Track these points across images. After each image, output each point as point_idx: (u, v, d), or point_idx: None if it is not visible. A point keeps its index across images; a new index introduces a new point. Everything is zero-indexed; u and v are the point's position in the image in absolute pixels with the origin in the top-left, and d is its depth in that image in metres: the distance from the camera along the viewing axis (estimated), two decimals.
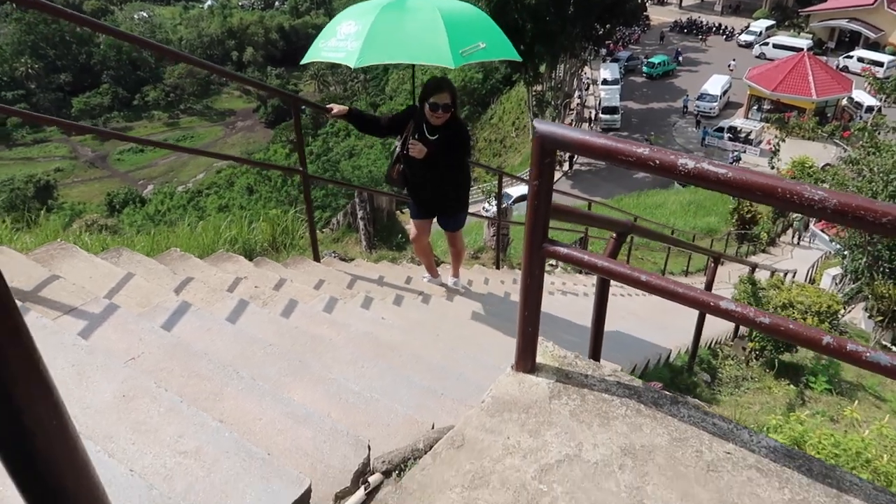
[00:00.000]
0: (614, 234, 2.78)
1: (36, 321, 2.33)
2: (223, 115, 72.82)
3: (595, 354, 2.58)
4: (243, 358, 2.63)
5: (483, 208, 25.30)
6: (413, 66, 4.82)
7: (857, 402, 4.83)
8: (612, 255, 2.85)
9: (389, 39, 4.19)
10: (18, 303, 2.37)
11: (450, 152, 4.37)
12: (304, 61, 4.66)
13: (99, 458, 1.68)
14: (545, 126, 1.93)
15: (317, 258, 5.06)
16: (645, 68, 45.97)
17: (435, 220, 4.89)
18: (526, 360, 2.37)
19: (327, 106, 4.62)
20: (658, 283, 1.99)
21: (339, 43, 4.31)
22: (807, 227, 24.87)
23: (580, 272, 10.46)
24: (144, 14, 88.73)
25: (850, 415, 3.59)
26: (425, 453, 2.13)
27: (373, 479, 2.01)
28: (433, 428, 2.34)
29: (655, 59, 46.23)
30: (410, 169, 4.55)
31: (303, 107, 4.36)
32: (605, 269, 2.06)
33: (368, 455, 2.06)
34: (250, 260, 4.51)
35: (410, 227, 5.04)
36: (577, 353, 2.52)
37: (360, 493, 1.96)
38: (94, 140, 65.56)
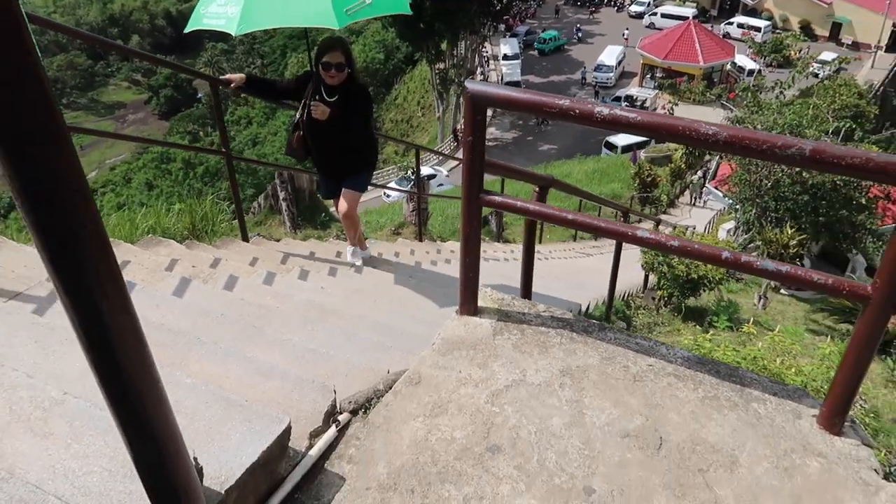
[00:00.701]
0: (537, 188, 3.04)
1: None
2: (112, 108, 68.83)
3: (527, 294, 2.85)
4: (198, 327, 2.73)
5: (384, 194, 25.37)
6: (306, 30, 4.70)
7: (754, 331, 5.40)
8: None
9: (270, 3, 4.03)
10: None
11: (350, 114, 4.24)
12: (186, 30, 4.42)
13: (90, 413, 1.79)
14: (476, 86, 2.15)
15: (245, 239, 5.11)
16: (537, 44, 46.85)
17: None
18: (469, 304, 2.61)
19: (225, 77, 4.43)
20: (583, 220, 2.25)
21: (220, 9, 4.14)
22: (702, 188, 26.42)
23: (498, 240, 10.84)
24: None
25: (748, 330, 4.09)
26: (386, 392, 2.34)
27: (342, 417, 2.19)
28: (389, 373, 2.54)
29: (546, 35, 47.29)
30: (312, 137, 4.39)
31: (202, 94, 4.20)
32: (537, 212, 2.31)
33: (335, 398, 2.24)
34: (180, 244, 4.52)
35: (337, 204, 4.89)
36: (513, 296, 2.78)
37: (332, 430, 2.14)
38: None
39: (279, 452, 1.91)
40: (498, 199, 2.32)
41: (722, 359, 3.61)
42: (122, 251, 3.84)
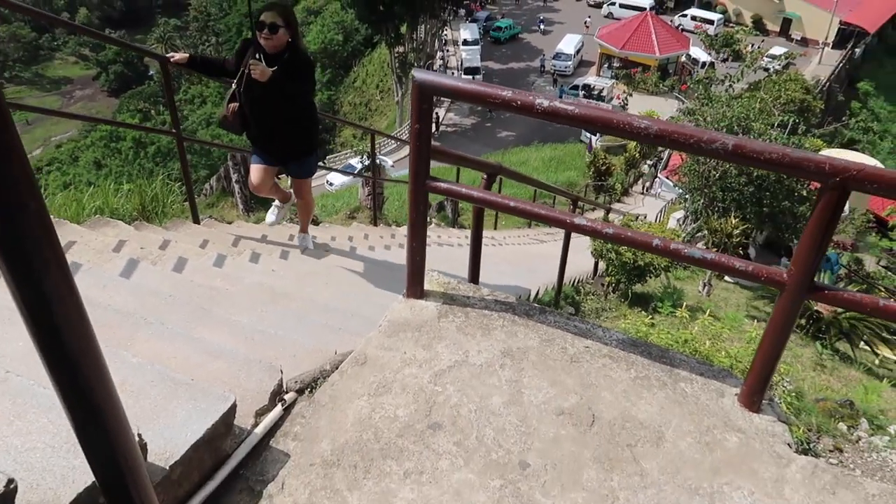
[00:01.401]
0: (485, 175, 3.12)
1: None
2: (57, 83, 66.35)
3: (474, 278, 2.94)
4: (146, 308, 2.74)
5: (327, 182, 25.21)
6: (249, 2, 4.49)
7: (693, 320, 5.62)
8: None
9: None
10: None
11: (289, 82, 3.96)
12: None
13: (34, 391, 1.80)
14: (423, 74, 2.20)
15: (196, 220, 5.07)
16: (492, 33, 46.67)
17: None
18: (415, 287, 2.68)
19: (167, 55, 4.29)
20: (524, 208, 2.34)
21: None
22: (654, 178, 26.99)
23: (454, 226, 10.93)
24: None
25: (681, 315, 4.29)
26: (333, 372, 2.40)
27: (288, 396, 2.25)
28: (336, 354, 2.60)
29: (502, 24, 47.25)
30: (250, 107, 4.14)
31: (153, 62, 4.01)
32: (480, 199, 2.39)
33: (281, 378, 2.29)
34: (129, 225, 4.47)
35: (251, 174, 4.52)
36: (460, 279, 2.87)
37: (278, 409, 2.19)
38: None
39: (224, 430, 1.95)
40: (443, 185, 2.39)
41: (656, 341, 3.78)
42: (67, 231, 3.79)
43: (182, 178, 5.34)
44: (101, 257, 3.32)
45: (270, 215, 4.91)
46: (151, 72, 57.77)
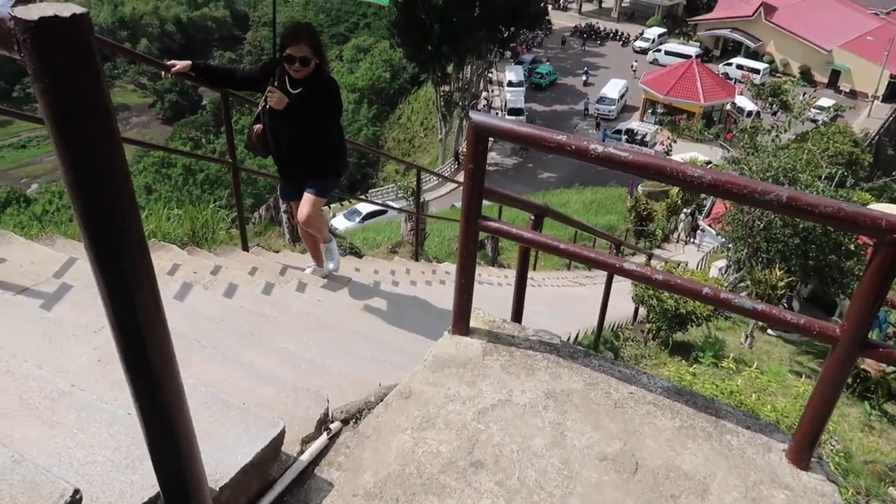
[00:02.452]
0: (532, 216, 3.16)
1: None
2: (116, 109, 68.80)
3: (517, 318, 2.95)
4: (198, 331, 2.82)
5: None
6: (274, 13, 4.52)
7: (739, 372, 5.51)
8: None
9: None
10: None
11: (314, 108, 3.85)
12: None
13: (95, 405, 1.87)
14: (480, 116, 2.27)
15: (245, 248, 5.21)
16: (534, 79, 46.51)
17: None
18: (461, 324, 2.71)
19: (167, 63, 4.06)
20: (574, 250, 2.37)
21: None
22: (695, 230, 25.70)
23: (493, 265, 10.95)
24: None
25: (727, 366, 4.21)
26: (377, 404, 2.43)
27: (333, 426, 2.28)
28: (380, 386, 2.63)
29: (542, 70, 47.24)
30: (272, 131, 4.04)
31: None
32: (530, 239, 2.43)
33: (328, 407, 2.33)
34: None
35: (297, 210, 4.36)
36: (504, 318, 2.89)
37: (324, 437, 2.22)
38: None
39: (272, 455, 1.99)
40: (494, 224, 2.44)
41: (701, 391, 3.72)
42: None
43: (230, 205, 5.50)
44: (158, 280, 3.43)
45: (329, 263, 4.70)
46: (204, 101, 59.79)
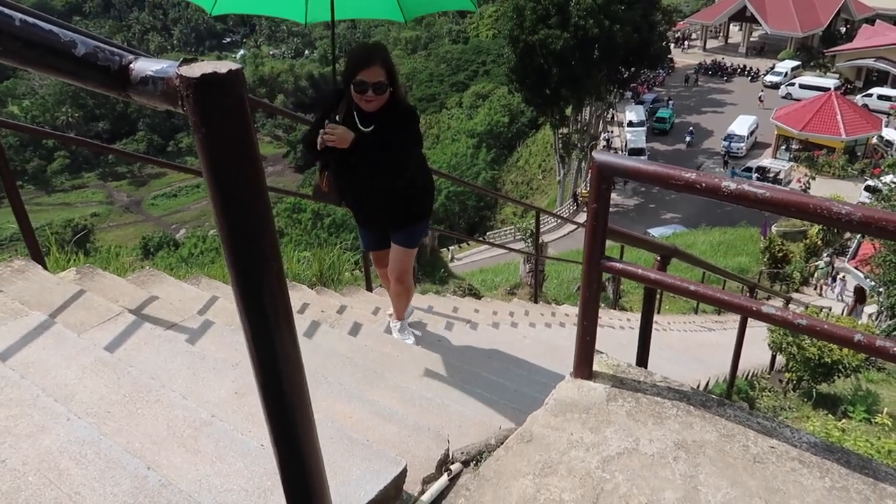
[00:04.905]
0: (659, 257, 3.05)
1: (152, 332, 2.67)
2: None
3: (643, 362, 2.83)
4: (325, 368, 2.93)
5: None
6: (332, 34, 3.49)
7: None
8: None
9: None
10: (132, 317, 2.71)
11: (392, 145, 3.17)
12: None
13: (232, 436, 1.98)
14: (603, 156, 2.24)
15: (369, 289, 5.38)
16: (655, 125, 44.58)
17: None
18: (584, 367, 2.63)
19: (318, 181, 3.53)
20: (705, 292, 2.25)
21: None
22: (834, 278, 22.49)
23: (614, 307, 10.64)
24: None
25: (881, 421, 3.77)
26: (498, 447, 2.39)
27: (454, 467, 2.27)
28: (500, 428, 2.60)
29: (663, 114, 45.43)
30: (343, 176, 3.38)
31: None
32: (657, 280, 2.34)
33: (448, 447, 2.33)
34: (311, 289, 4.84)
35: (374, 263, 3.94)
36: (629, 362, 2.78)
37: (444, 478, 2.22)
38: (129, 185, 67.79)
39: (394, 493, 2.01)
40: (619, 265, 2.37)
41: (853, 448, 3.37)
42: None
43: (354, 247, 5.73)
44: None
45: (395, 330, 4.00)
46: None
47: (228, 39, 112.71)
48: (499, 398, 3.18)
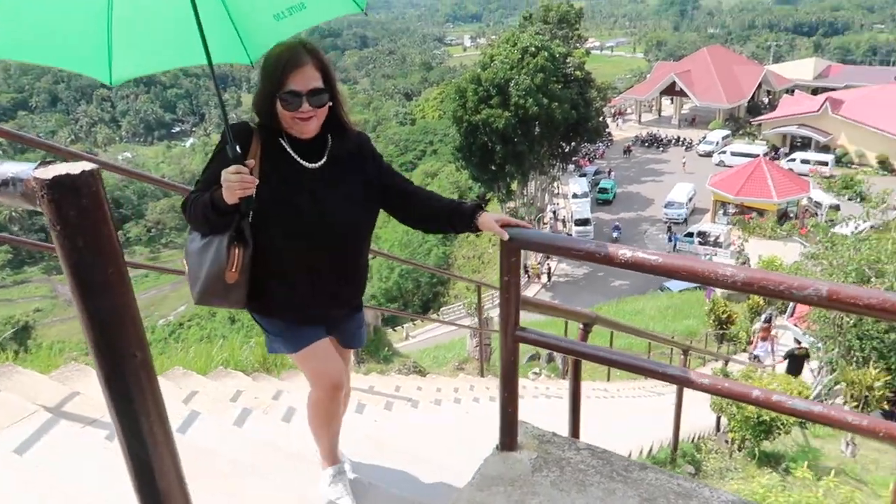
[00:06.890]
0: (581, 325, 3.14)
1: (68, 430, 2.59)
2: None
3: (574, 433, 2.86)
4: (256, 458, 2.86)
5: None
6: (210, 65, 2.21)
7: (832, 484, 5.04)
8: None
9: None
10: (48, 415, 2.63)
11: (357, 184, 2.38)
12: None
13: None
14: (510, 230, 2.34)
15: None
16: (598, 195, 45.81)
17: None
18: (508, 440, 2.65)
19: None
20: (619, 359, 2.33)
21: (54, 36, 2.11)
22: (764, 339, 22.04)
23: (564, 377, 10.67)
24: (128, 154, 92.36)
25: (801, 474, 3.84)
26: None
27: None
28: None
29: (605, 185, 46.90)
30: (282, 244, 2.24)
31: None
32: (575, 350, 2.40)
33: None
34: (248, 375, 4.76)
35: (312, 365, 2.50)
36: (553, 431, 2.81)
37: None
38: None
39: None
40: (533, 336, 2.43)
41: None
42: (193, 382, 4.10)
43: None
44: (218, 406, 3.54)
45: (326, 481, 2.64)
46: None
47: (178, 129, 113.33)
48: (434, 476, 3.14)
